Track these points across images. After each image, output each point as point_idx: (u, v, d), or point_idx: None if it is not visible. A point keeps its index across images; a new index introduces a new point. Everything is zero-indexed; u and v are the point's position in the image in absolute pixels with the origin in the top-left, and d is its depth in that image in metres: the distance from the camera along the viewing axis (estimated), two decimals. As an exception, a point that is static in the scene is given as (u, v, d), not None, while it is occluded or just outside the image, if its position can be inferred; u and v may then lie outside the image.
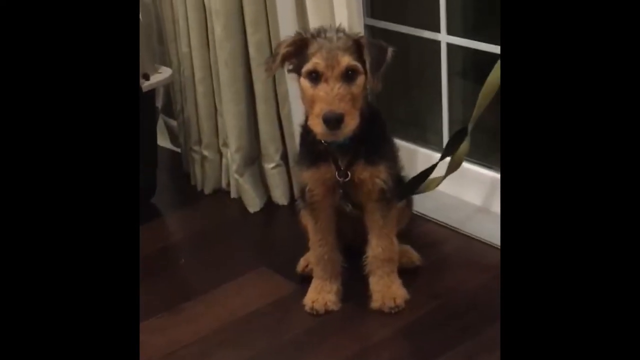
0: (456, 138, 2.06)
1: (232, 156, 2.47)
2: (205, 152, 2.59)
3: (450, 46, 2.30)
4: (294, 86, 2.33)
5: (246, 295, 2.06)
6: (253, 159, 2.50)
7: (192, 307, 2.02)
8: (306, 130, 1.88)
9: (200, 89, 2.50)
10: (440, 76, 2.34)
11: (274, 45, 2.30)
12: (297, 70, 1.81)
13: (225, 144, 2.53)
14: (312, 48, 1.76)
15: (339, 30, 1.80)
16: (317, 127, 1.73)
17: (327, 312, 1.96)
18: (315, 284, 2.00)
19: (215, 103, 2.51)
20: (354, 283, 2.01)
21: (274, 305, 2.01)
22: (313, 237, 1.99)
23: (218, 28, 2.33)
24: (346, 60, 1.73)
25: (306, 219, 2.01)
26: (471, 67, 2.49)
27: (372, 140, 1.84)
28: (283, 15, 2.27)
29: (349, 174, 1.87)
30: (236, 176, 2.49)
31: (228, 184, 2.60)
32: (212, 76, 2.47)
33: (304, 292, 2.01)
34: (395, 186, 1.96)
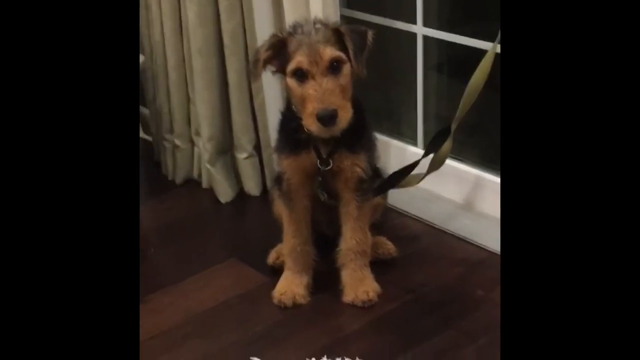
0: (438, 137, 2.04)
1: (204, 145, 2.44)
2: (177, 141, 2.55)
3: (426, 39, 2.28)
4: (268, 76, 2.31)
5: (215, 286, 2.04)
6: (225, 148, 2.47)
7: (159, 298, 1.99)
8: (287, 118, 1.87)
9: (172, 76, 2.46)
10: (416, 69, 2.32)
11: (248, 34, 2.28)
12: (281, 71, 1.78)
13: (198, 133, 2.49)
14: (292, 46, 1.73)
15: (315, 22, 1.77)
16: (312, 125, 1.71)
17: (295, 306, 1.93)
18: (285, 276, 1.98)
19: (187, 91, 2.47)
20: (325, 275, 1.99)
21: (243, 297, 1.99)
22: (287, 228, 1.96)
23: (191, 15, 2.29)
24: (329, 52, 1.71)
25: (281, 209, 1.99)
26: (447, 60, 2.47)
27: (354, 128, 1.81)
28: (257, 2, 2.23)
29: (331, 162, 1.85)
30: (208, 166, 2.46)
31: (200, 174, 2.56)
32: (185, 64, 2.43)
33: (274, 284, 1.99)
34: (373, 176, 1.95)
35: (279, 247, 2.07)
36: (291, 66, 1.73)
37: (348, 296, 1.94)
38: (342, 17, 2.37)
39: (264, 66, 1.78)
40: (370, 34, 1.77)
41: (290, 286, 1.95)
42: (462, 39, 2.18)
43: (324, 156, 1.85)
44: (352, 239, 1.94)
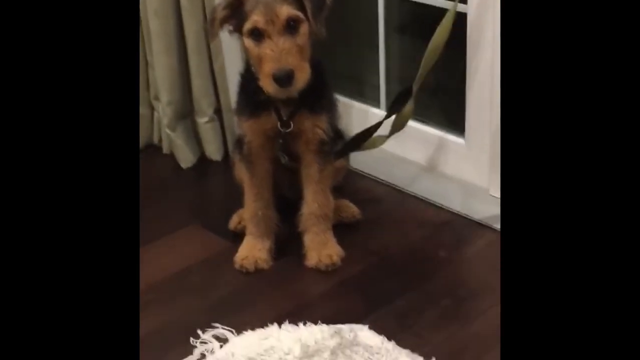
0: (400, 98, 2.02)
1: (164, 110, 2.40)
2: (136, 106, 2.51)
3: (387, -2, 2.25)
4: (227, 38, 2.27)
5: (177, 253, 2.02)
6: (185, 113, 2.43)
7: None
8: (246, 80, 1.85)
9: (129, 40, 2.40)
10: (378, 29, 2.29)
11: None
12: (238, 30, 1.75)
13: (157, 98, 2.45)
14: (249, 5, 1.71)
15: None
16: (269, 86, 1.70)
17: (257, 271, 1.92)
18: (247, 241, 1.96)
19: (146, 55, 2.42)
20: (287, 240, 1.98)
21: (205, 262, 1.97)
22: (248, 192, 1.94)
23: (147, -25, 2.24)
24: (285, 11, 1.68)
25: (242, 173, 1.97)
26: (411, 20, 2.44)
27: (314, 89, 1.79)
28: (215, -37, 2.19)
29: (291, 124, 1.83)
30: (168, 131, 2.42)
31: (160, 139, 2.52)
32: (141, 26, 2.37)
33: (236, 250, 1.97)
34: (334, 138, 1.93)
35: (240, 211, 2.05)
36: (247, 25, 1.71)
37: (311, 260, 1.93)
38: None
39: (221, 25, 1.75)
40: None
41: (252, 251, 1.94)
42: (424, -2, 2.15)
43: (285, 118, 1.83)
44: (314, 202, 1.92)
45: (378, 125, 2.06)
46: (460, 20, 1.99)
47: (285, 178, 2.01)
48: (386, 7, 2.26)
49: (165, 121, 2.41)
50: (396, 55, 2.41)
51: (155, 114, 2.50)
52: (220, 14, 1.73)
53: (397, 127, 2.03)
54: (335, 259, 1.93)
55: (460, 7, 1.98)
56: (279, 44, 1.68)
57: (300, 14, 1.70)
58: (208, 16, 1.81)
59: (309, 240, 1.95)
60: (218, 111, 2.41)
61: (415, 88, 1.96)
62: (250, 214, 1.95)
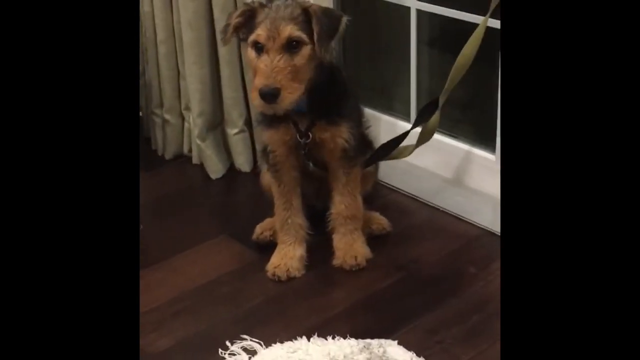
0: (427, 109, 2.02)
1: (195, 121, 2.41)
2: (167, 116, 2.52)
3: (419, 12, 2.25)
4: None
5: (206, 263, 2.02)
6: (216, 124, 2.44)
7: (150, 274, 1.96)
8: None
9: (162, 50, 2.42)
10: (409, 43, 2.29)
11: (239, 6, 2.24)
12: (246, 40, 1.78)
13: (188, 108, 2.46)
14: (259, 17, 1.74)
15: None
16: (255, 100, 1.73)
17: (289, 279, 1.92)
18: (278, 250, 1.97)
19: (177, 65, 2.43)
20: (317, 250, 1.98)
21: (233, 274, 1.97)
22: (277, 201, 1.96)
23: (181, -13, 2.25)
24: (288, 31, 1.70)
25: (269, 182, 1.98)
26: (441, 34, 2.44)
27: (332, 99, 1.81)
28: (249, -25, 2.20)
29: (310, 135, 1.85)
30: (198, 141, 2.43)
31: (190, 150, 2.53)
32: (174, 37, 2.39)
33: (265, 261, 1.98)
34: (359, 144, 1.95)
35: (264, 222, 2.07)
36: (251, 37, 1.74)
37: (337, 260, 1.95)
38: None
39: (234, 32, 1.78)
40: (344, 20, 1.75)
41: (284, 259, 1.94)
42: (456, 12, 2.14)
43: (302, 129, 1.85)
44: (341, 203, 1.94)
45: (404, 135, 2.07)
46: (493, 35, 1.98)
47: (313, 188, 2.03)
48: (418, 21, 2.26)
49: (195, 132, 2.42)
50: (426, 69, 2.41)
51: (186, 124, 2.51)
52: (234, 20, 1.77)
53: (424, 138, 2.03)
54: (360, 259, 1.94)
55: (493, 23, 1.98)
56: (273, 61, 1.70)
57: (303, 36, 1.72)
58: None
59: (336, 240, 1.97)
60: (248, 122, 2.42)
61: (441, 100, 1.96)
62: (280, 222, 1.96)
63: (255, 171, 2.40)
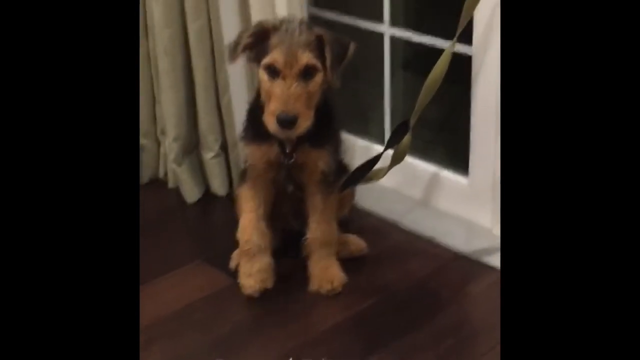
0: (398, 132, 2.04)
1: (170, 145, 2.42)
2: (143, 141, 2.52)
3: (393, 37, 2.28)
4: (235, 75, 2.30)
5: (181, 288, 2.02)
6: (191, 148, 2.45)
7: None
8: (255, 108, 1.87)
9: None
10: (383, 68, 2.32)
11: (214, 33, 2.26)
12: (256, 60, 1.79)
13: (163, 133, 2.47)
14: (273, 41, 1.74)
15: (302, 22, 1.78)
16: (271, 124, 1.73)
17: (263, 292, 1.92)
18: (245, 263, 1.94)
19: (153, 91, 2.44)
20: (293, 274, 1.99)
21: (209, 299, 1.97)
22: (244, 205, 1.94)
23: (157, 15, 2.26)
24: (305, 58, 1.72)
25: (241, 190, 1.98)
26: (414, 58, 2.47)
27: (319, 124, 1.82)
28: (224, 2, 2.22)
29: (294, 156, 1.86)
30: (174, 166, 2.44)
31: (165, 174, 2.54)
32: (150, 63, 2.40)
33: (240, 286, 1.98)
34: (337, 171, 1.96)
35: (238, 250, 2.06)
36: (266, 60, 1.74)
37: (313, 285, 1.96)
38: (310, 15, 2.36)
39: (243, 51, 1.78)
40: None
41: (253, 274, 1.92)
42: (429, 39, 2.18)
43: (287, 150, 1.86)
44: (317, 230, 1.95)
45: (377, 157, 2.08)
46: (465, 61, 2.02)
47: (290, 209, 2.03)
48: (392, 45, 2.29)
49: (171, 156, 2.43)
50: (400, 92, 2.44)
51: (161, 148, 2.51)
52: (245, 40, 1.76)
53: (396, 160, 2.05)
54: (336, 284, 1.95)
55: (465, 49, 2.01)
56: (290, 88, 1.71)
57: (318, 64, 1.74)
58: (233, 39, 1.84)
59: (312, 265, 1.98)
60: (224, 147, 2.43)
61: (412, 122, 1.99)
62: (244, 226, 1.94)
63: (231, 195, 2.41)
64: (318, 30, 1.77)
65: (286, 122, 1.71)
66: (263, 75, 1.76)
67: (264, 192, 1.94)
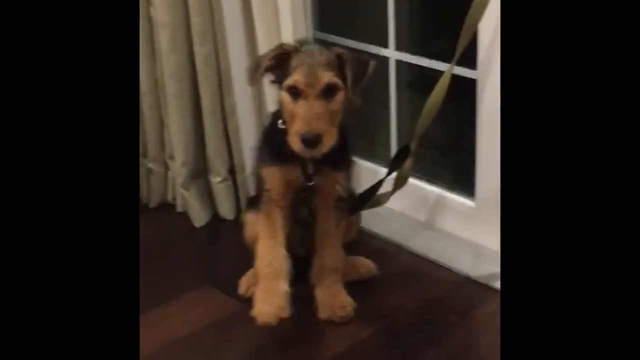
0: (400, 155, 2.05)
1: (178, 170, 2.43)
2: (151, 165, 2.54)
3: (398, 62, 2.29)
4: (242, 100, 2.31)
5: (188, 314, 2.02)
6: (199, 172, 2.46)
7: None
8: (273, 131, 1.87)
9: (146, 101, 2.45)
10: (389, 91, 2.33)
11: (221, 59, 2.28)
12: (278, 82, 1.80)
13: (172, 157, 2.48)
14: (294, 62, 1.75)
15: (322, 43, 1.82)
16: (295, 144, 1.73)
17: (280, 321, 1.83)
18: (261, 289, 1.87)
19: (161, 115, 2.46)
20: (298, 300, 1.98)
21: (215, 325, 1.97)
22: (263, 232, 1.90)
23: (164, 40, 2.29)
24: (327, 77, 1.73)
25: (252, 234, 1.98)
26: (419, 80, 2.47)
27: (337, 147, 1.81)
28: (230, 27, 2.24)
29: (313, 178, 1.86)
30: (182, 190, 2.45)
31: (174, 198, 2.55)
32: (158, 89, 2.42)
33: (247, 312, 1.97)
34: (348, 196, 1.97)
35: (248, 275, 2.07)
36: (288, 82, 1.75)
37: (324, 313, 1.95)
38: (315, 40, 2.37)
39: (264, 74, 1.79)
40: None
41: (270, 301, 1.84)
42: (433, 62, 2.18)
43: (310, 172, 1.86)
44: (328, 256, 1.95)
45: (380, 183, 2.09)
46: (470, 82, 2.02)
47: (298, 235, 2.02)
48: (397, 67, 2.29)
49: (179, 180, 2.44)
50: (406, 114, 2.44)
51: (170, 172, 2.53)
52: (266, 63, 1.78)
53: (399, 184, 2.06)
54: (349, 309, 1.94)
55: (470, 73, 2.02)
56: (313, 107, 1.72)
57: (339, 82, 1.75)
58: (253, 62, 1.86)
59: (320, 293, 1.97)
60: (231, 171, 2.44)
61: (413, 146, 1.99)
62: (263, 252, 1.89)
63: (239, 220, 2.42)
64: (337, 49, 1.79)
65: (310, 141, 1.71)
66: (286, 97, 1.77)
67: (280, 218, 1.92)
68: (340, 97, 1.76)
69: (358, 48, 2.34)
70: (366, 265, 2.12)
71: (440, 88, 1.89)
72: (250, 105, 2.33)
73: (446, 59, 2.12)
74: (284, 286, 1.87)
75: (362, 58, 1.80)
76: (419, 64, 2.24)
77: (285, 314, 1.84)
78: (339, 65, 1.76)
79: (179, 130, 2.38)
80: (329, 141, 1.73)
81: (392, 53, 2.27)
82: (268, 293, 1.86)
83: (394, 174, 2.06)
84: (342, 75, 1.75)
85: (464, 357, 1.82)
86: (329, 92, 1.74)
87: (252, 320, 1.92)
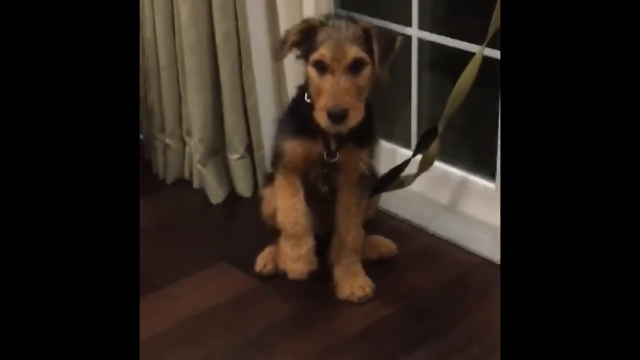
0: (426, 137, 2.03)
1: (196, 146, 2.42)
2: (168, 141, 2.53)
3: (420, 41, 2.26)
4: (261, 76, 2.29)
5: (205, 291, 2.01)
6: (217, 149, 2.45)
7: (147, 302, 1.94)
8: (299, 104, 1.85)
9: (164, 76, 2.43)
10: (410, 71, 2.30)
11: (241, 34, 2.25)
12: (305, 57, 1.78)
13: (189, 133, 2.47)
14: (321, 36, 1.73)
15: (348, 18, 1.77)
16: (322, 119, 1.71)
17: (310, 272, 1.86)
18: (286, 246, 1.86)
19: (179, 91, 2.44)
20: (316, 279, 1.97)
21: (233, 301, 1.97)
22: (284, 191, 1.87)
23: (184, 14, 2.26)
24: (353, 52, 1.71)
25: (270, 210, 1.96)
26: (441, 61, 2.45)
27: (362, 124, 1.79)
28: (251, 3, 2.21)
29: (337, 154, 1.84)
30: (199, 166, 2.43)
31: (191, 174, 2.54)
32: (177, 63, 2.40)
33: (265, 289, 1.98)
34: (372, 174, 1.95)
35: (265, 252, 2.06)
36: (314, 56, 1.73)
37: (343, 292, 1.94)
38: (336, 17, 2.34)
39: (290, 49, 1.77)
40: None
41: (299, 256, 1.85)
42: (457, 42, 2.16)
43: (333, 148, 1.84)
44: (348, 235, 1.94)
45: (406, 163, 2.07)
46: (493, 63, 1.99)
47: (317, 214, 1.99)
48: (419, 47, 2.27)
49: (196, 157, 2.43)
50: (428, 95, 2.42)
51: (187, 148, 2.51)
52: (293, 37, 1.75)
53: (424, 166, 2.04)
54: (368, 290, 1.94)
55: (492, 53, 1.99)
56: (339, 82, 1.70)
57: (366, 57, 1.72)
58: (280, 37, 1.83)
59: (339, 272, 1.96)
60: (249, 148, 2.43)
61: (440, 128, 1.97)
62: (286, 210, 1.86)
63: (256, 197, 2.40)
64: (364, 24, 1.76)
65: (337, 116, 1.69)
66: (312, 72, 1.75)
67: (299, 183, 1.89)
68: (367, 72, 1.74)
69: (380, 26, 2.31)
70: (386, 245, 2.11)
71: (471, 70, 1.88)
72: (269, 82, 2.31)
73: (469, 38, 2.10)
74: (310, 241, 1.87)
75: (389, 33, 1.78)
76: (442, 43, 2.21)
77: (315, 266, 1.87)
78: (366, 39, 1.73)
79: (197, 106, 2.36)
80: (356, 116, 1.71)
81: (415, 32, 2.24)
82: (298, 250, 1.86)
83: (419, 156, 2.04)
84: (369, 50, 1.73)
85: (482, 338, 1.80)
86: (355, 66, 1.72)
87: (269, 295, 1.93)
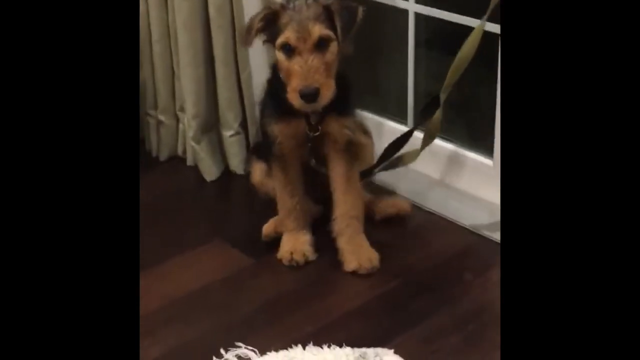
0: (429, 107, 2.01)
1: (189, 123, 2.38)
2: (161, 117, 2.49)
3: (417, 15, 2.22)
4: (255, 50, 2.25)
5: (198, 269, 1.99)
6: (211, 125, 2.41)
7: (141, 280, 1.85)
8: (275, 86, 1.88)
9: (156, 50, 2.39)
10: (407, 46, 2.27)
11: (235, 7, 2.22)
12: (272, 42, 1.81)
13: (182, 109, 2.43)
14: (283, 20, 1.77)
15: None
16: (295, 100, 1.75)
17: (307, 263, 1.96)
18: (287, 237, 1.98)
19: (172, 66, 2.40)
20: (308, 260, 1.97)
21: (227, 280, 1.94)
22: (282, 190, 1.97)
23: (177, -13, 2.22)
24: (317, 30, 1.74)
25: (275, 173, 1.98)
26: (437, 36, 2.41)
27: (340, 94, 1.82)
28: (245, -24, 2.17)
29: (319, 128, 1.87)
30: (193, 143, 2.40)
31: (184, 151, 2.50)
32: (169, 37, 2.36)
33: (259, 267, 1.96)
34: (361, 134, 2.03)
35: (269, 223, 2.05)
36: (280, 40, 1.77)
37: (350, 264, 1.93)
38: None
39: (256, 35, 1.80)
40: (360, 10, 1.79)
41: (296, 244, 1.96)
42: (455, 16, 2.12)
43: (313, 123, 1.87)
44: (345, 202, 1.94)
45: (409, 134, 2.05)
46: (491, 38, 1.96)
47: (312, 189, 2.02)
48: (416, 23, 2.23)
49: (190, 134, 2.39)
50: (424, 71, 2.38)
51: (180, 125, 2.48)
52: (257, 24, 1.79)
53: (429, 137, 2.02)
54: (375, 262, 1.94)
55: (492, 27, 1.95)
56: (307, 62, 1.74)
57: (330, 33, 1.76)
58: (244, 25, 1.89)
59: (344, 243, 1.95)
60: (243, 125, 2.39)
61: (442, 97, 1.95)
62: (287, 209, 1.97)
63: (249, 174, 2.37)
64: (324, 1, 1.78)
65: (309, 95, 1.73)
66: (280, 56, 1.78)
67: (296, 174, 1.96)
68: (333, 48, 1.77)
69: (377, 0, 2.27)
70: (400, 203, 2.14)
71: (472, 42, 1.86)
72: (263, 56, 2.27)
73: (467, 12, 2.06)
74: (308, 236, 1.98)
75: (350, 5, 1.79)
76: (439, 17, 2.17)
77: (313, 257, 1.97)
78: (328, 16, 1.76)
79: (190, 81, 2.32)
80: (327, 93, 1.75)
81: (412, 5, 2.21)
82: (296, 240, 1.97)
83: (419, 133, 2.02)
84: (332, 26, 1.76)
85: (480, 316, 1.78)
86: (321, 44, 1.75)
87: (263, 274, 1.94)
